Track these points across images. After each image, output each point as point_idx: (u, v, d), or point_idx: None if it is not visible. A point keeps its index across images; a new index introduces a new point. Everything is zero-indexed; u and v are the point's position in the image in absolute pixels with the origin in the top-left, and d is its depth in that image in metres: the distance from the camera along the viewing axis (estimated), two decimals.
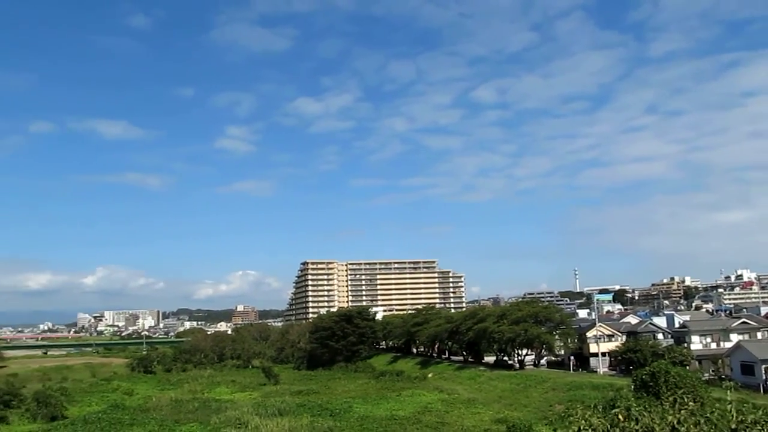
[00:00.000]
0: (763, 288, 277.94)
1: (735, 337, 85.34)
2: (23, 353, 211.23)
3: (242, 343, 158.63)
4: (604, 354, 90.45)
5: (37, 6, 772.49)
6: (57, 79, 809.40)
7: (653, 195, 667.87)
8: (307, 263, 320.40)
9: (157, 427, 61.44)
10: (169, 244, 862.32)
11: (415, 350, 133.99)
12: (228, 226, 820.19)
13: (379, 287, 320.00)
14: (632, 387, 49.03)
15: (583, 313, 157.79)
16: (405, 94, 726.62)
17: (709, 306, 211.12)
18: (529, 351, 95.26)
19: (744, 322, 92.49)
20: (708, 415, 10.65)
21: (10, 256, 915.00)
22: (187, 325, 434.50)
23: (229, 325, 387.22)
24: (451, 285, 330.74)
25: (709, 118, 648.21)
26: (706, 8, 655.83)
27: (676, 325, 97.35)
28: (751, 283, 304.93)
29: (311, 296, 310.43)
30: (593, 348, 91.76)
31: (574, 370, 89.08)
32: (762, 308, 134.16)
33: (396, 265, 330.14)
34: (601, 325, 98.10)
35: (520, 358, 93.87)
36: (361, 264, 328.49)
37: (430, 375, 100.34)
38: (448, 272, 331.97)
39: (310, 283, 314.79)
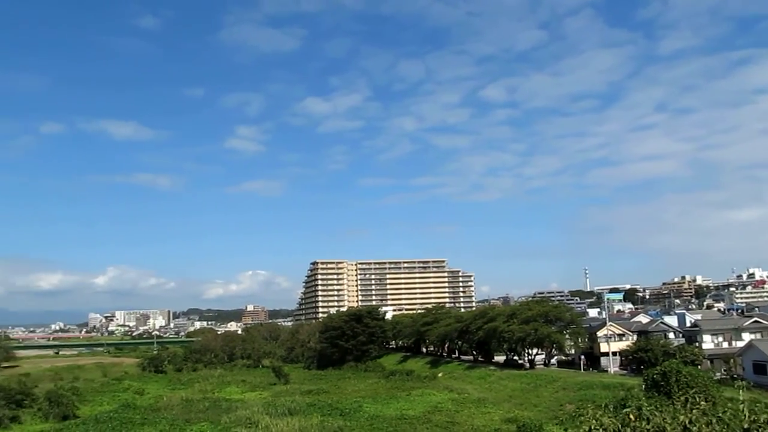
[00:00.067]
0: None
1: (747, 336, 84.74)
2: (35, 353, 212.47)
3: (252, 343, 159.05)
4: (614, 353, 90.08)
5: (47, 8, 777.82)
6: (67, 80, 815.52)
7: (664, 193, 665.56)
8: (317, 263, 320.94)
9: (168, 426, 61.61)
10: (179, 244, 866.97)
11: (424, 350, 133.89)
12: (237, 226, 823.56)
13: (388, 287, 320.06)
14: (643, 386, 48.82)
15: (593, 313, 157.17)
16: (414, 94, 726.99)
17: (721, 305, 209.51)
18: (540, 350, 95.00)
19: (756, 321, 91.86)
20: (720, 414, 10.58)
21: (22, 256, 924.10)
22: (198, 324, 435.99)
23: (239, 324, 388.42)
24: (460, 284, 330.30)
25: (719, 116, 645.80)
26: (715, 5, 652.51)
27: (688, 324, 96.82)
28: (763, 282, 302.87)
29: (321, 296, 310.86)
30: (604, 347, 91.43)
31: (584, 369, 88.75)
32: None
33: (405, 265, 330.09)
34: (611, 325, 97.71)
35: (530, 357, 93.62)
36: (370, 263, 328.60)
37: (440, 374, 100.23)
38: (458, 271, 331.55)
39: (319, 282, 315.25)
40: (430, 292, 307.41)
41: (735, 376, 73.23)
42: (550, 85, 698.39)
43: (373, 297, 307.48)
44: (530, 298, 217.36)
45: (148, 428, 61.18)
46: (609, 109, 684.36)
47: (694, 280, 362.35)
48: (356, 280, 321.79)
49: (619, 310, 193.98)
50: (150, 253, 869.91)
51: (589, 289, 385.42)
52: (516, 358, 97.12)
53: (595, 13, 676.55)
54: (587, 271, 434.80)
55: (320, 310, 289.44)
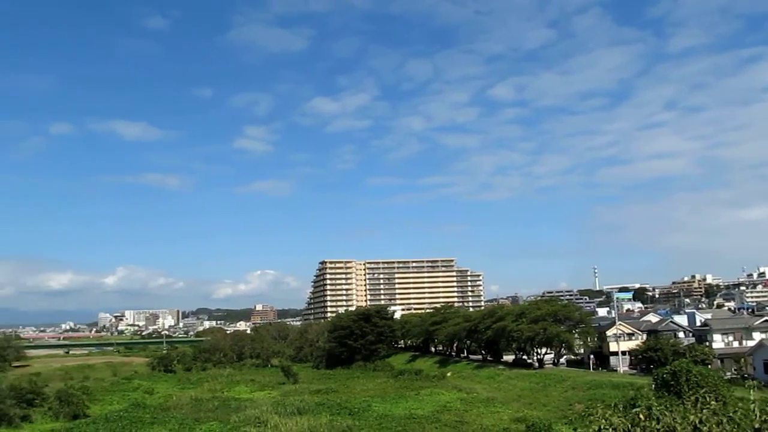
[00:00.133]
0: None
1: (758, 336, 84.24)
2: (45, 352, 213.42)
3: (261, 343, 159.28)
4: (624, 353, 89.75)
5: (56, 8, 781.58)
6: (76, 81, 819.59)
7: (673, 192, 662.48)
8: (326, 262, 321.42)
9: (178, 425, 61.84)
10: (189, 244, 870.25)
11: (433, 349, 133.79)
12: (246, 225, 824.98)
13: (397, 286, 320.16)
14: (653, 386, 48.63)
15: (602, 312, 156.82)
16: (422, 93, 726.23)
17: (731, 304, 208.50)
18: (549, 350, 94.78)
19: (767, 320, 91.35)
20: (731, 414, 10.53)
21: (32, 256, 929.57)
22: (207, 324, 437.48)
23: (248, 324, 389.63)
24: (469, 284, 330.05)
25: (729, 114, 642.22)
26: (725, 3, 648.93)
27: (698, 323, 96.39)
28: None
29: (330, 295, 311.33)
30: (613, 347, 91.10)
31: (593, 369, 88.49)
32: None
33: (414, 264, 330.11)
34: (621, 324, 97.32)
35: (539, 356, 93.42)
36: (379, 263, 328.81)
37: (448, 374, 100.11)
38: (467, 271, 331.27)
39: (328, 282, 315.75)
40: (439, 292, 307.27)
41: (746, 375, 72.88)
42: (558, 83, 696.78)
43: (382, 296, 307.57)
44: (539, 298, 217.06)
45: (158, 427, 61.43)
46: (618, 108, 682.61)
47: (704, 279, 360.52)
48: (365, 280, 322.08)
49: (628, 310, 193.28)
50: (159, 253, 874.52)
51: (598, 288, 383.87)
52: (525, 357, 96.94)
53: (603, 11, 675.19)
54: (596, 270, 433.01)
55: (329, 309, 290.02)
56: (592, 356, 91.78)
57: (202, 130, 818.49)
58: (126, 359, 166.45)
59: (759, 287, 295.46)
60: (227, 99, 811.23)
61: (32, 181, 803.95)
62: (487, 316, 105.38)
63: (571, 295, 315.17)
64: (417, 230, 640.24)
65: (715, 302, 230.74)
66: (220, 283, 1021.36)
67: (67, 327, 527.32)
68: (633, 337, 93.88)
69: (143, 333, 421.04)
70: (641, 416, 10.90)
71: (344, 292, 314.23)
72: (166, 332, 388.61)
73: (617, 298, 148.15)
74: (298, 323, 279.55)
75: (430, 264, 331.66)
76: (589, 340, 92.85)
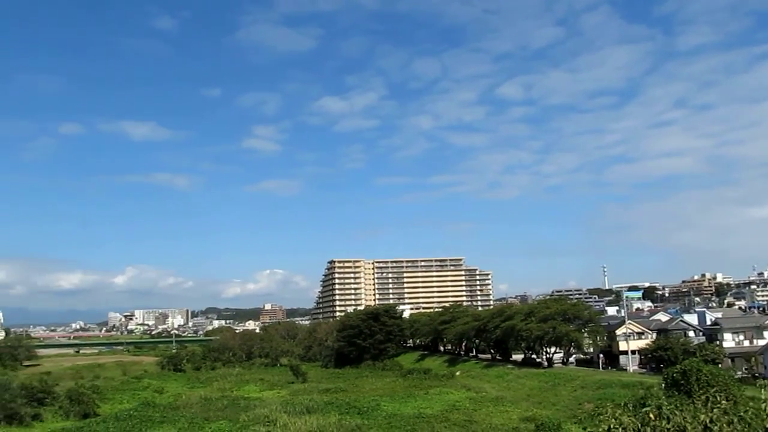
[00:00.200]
0: None
1: None
2: (56, 352, 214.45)
3: (270, 342, 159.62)
4: (633, 352, 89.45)
5: (65, 9, 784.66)
6: (85, 81, 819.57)
7: (683, 190, 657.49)
8: (334, 262, 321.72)
9: (187, 424, 62.08)
10: (198, 244, 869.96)
11: (442, 348, 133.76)
12: (255, 225, 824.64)
13: (405, 285, 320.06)
14: (663, 385, 48.41)
15: (612, 311, 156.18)
16: (430, 92, 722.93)
17: (742, 303, 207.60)
18: (558, 349, 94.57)
19: None
20: (741, 413, 10.48)
21: (42, 256, 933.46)
22: (216, 323, 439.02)
23: (257, 323, 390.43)
24: (478, 283, 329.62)
25: (739, 112, 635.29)
26: (735, 0, 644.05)
27: (708, 322, 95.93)
28: None
29: (338, 294, 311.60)
30: (623, 346, 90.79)
31: (603, 368, 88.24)
32: None
33: (423, 263, 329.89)
34: (630, 323, 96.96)
35: (548, 356, 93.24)
36: (387, 262, 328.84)
37: (457, 373, 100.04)
38: (475, 270, 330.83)
39: (337, 281, 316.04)
40: (448, 291, 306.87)
41: (756, 374, 72.54)
42: (567, 81, 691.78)
43: (391, 295, 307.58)
44: (548, 297, 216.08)
45: (168, 426, 61.70)
46: (627, 106, 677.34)
47: (715, 278, 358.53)
48: (373, 279, 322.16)
49: (638, 309, 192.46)
50: (168, 252, 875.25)
51: (607, 287, 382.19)
52: (534, 356, 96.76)
53: (612, 9, 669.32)
54: (606, 269, 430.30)
55: (337, 308, 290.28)
56: (601, 355, 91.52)
57: (210, 129, 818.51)
58: (136, 358, 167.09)
59: None
60: (236, 99, 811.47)
61: (42, 181, 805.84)
62: (496, 315, 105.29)
63: (580, 294, 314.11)
64: (425, 229, 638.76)
65: (726, 301, 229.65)
66: (229, 283, 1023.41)
67: (78, 326, 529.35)
68: (642, 336, 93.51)
69: (153, 332, 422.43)
70: (651, 415, 10.86)
71: (353, 291, 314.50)
72: (176, 331, 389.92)
73: (627, 296, 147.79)
74: (307, 322, 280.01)
75: (438, 263, 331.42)
76: (598, 339, 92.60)
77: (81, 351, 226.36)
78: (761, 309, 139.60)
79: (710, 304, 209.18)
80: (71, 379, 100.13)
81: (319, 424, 57.65)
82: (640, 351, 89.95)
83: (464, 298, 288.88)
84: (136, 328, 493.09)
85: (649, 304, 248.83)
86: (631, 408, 11.91)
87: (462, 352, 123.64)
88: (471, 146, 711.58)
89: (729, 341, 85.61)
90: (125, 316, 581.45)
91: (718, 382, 43.00)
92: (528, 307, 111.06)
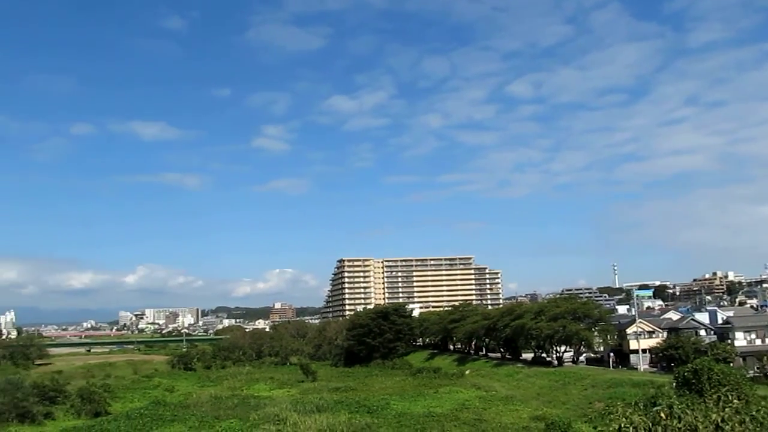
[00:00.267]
0: None
1: None
2: (67, 351, 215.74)
3: (280, 341, 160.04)
4: (644, 351, 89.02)
5: (75, 9, 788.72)
6: (95, 82, 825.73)
7: (694, 188, 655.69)
8: (344, 261, 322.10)
9: (198, 423, 62.27)
10: (208, 243, 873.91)
11: (451, 347, 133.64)
12: (264, 224, 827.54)
13: (415, 284, 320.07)
14: (674, 384, 48.16)
15: (622, 309, 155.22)
16: (439, 90, 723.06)
17: (754, 301, 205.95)
18: (568, 348, 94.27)
19: None
20: (753, 413, 10.42)
21: (53, 256, 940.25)
22: (226, 322, 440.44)
23: (266, 322, 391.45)
24: (487, 281, 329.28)
25: (750, 109, 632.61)
26: None
27: (719, 321, 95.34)
28: None
29: (348, 293, 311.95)
30: (633, 345, 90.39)
31: (613, 367, 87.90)
32: None
33: (432, 262, 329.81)
34: (641, 322, 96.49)
35: (558, 354, 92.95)
36: (397, 261, 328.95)
37: (467, 372, 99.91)
38: (485, 268, 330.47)
39: (346, 280, 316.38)
40: (457, 290, 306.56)
41: None
42: (576, 79, 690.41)
43: (400, 294, 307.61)
44: (558, 295, 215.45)
45: (178, 425, 61.93)
46: (637, 104, 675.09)
47: (726, 276, 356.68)
48: (383, 278, 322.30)
49: (648, 307, 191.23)
50: (179, 252, 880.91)
51: (618, 286, 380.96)
52: (544, 355, 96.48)
53: (622, 6, 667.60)
54: (616, 268, 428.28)
55: (347, 307, 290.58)
56: (612, 354, 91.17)
57: (220, 129, 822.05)
58: (146, 357, 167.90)
59: None
60: (245, 98, 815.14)
61: (54, 181, 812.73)
62: (506, 314, 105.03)
63: (590, 293, 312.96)
64: (434, 228, 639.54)
65: (737, 299, 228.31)
66: (239, 282, 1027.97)
67: (89, 325, 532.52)
68: (653, 335, 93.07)
69: (163, 331, 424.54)
70: (662, 414, 10.82)
71: (362, 290, 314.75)
72: (186, 330, 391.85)
73: (637, 295, 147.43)
74: (317, 321, 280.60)
75: (448, 262, 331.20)
76: (608, 337, 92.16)
77: (92, 350, 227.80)
78: None
79: (722, 303, 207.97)
80: (83, 378, 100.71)
81: (329, 422, 57.68)
82: (651, 350, 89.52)
83: (474, 297, 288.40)
84: (147, 327, 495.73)
85: (659, 302, 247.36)
86: (641, 407, 11.88)
87: (471, 351, 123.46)
88: (480, 145, 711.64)
89: (740, 340, 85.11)
90: (136, 315, 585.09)
91: (730, 381, 42.75)
92: (538, 306, 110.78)
